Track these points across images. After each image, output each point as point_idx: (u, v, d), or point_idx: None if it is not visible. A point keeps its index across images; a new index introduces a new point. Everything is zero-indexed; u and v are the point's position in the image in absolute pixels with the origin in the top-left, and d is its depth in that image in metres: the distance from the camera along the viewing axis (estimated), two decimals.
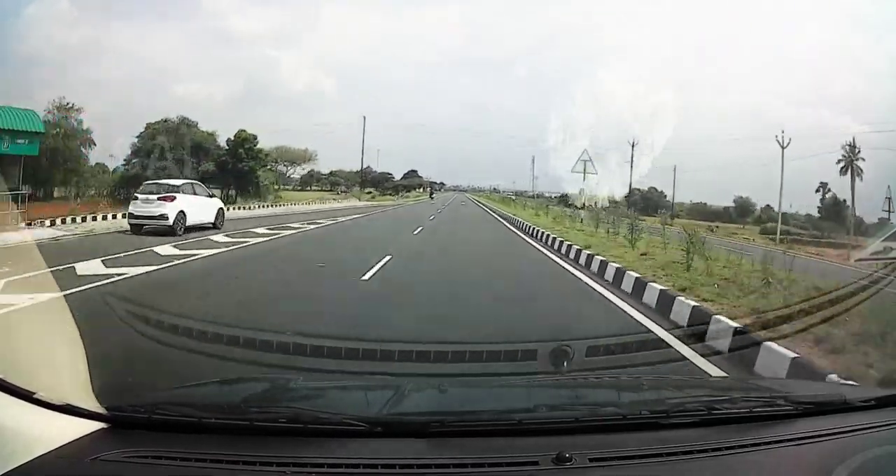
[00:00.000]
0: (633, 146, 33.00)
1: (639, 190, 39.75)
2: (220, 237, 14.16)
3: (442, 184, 62.07)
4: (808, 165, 34.65)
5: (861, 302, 5.52)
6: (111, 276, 8.33)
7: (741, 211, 38.52)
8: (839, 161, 31.65)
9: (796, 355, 4.44)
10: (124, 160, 29.27)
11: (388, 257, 10.94)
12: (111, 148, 39.70)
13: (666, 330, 5.99)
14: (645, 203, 38.51)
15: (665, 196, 40.19)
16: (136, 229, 14.86)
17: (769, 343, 4.71)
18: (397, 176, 53.75)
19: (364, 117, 38.37)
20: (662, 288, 7.65)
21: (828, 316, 5.18)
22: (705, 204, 40.33)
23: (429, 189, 57.26)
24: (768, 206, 35.78)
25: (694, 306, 6.49)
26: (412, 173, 56.52)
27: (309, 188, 45.05)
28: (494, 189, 60.21)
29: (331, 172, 45.37)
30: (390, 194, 50.01)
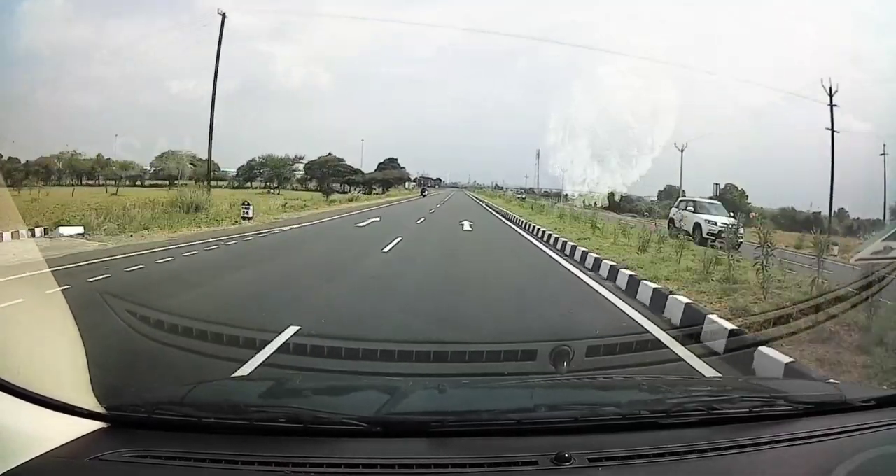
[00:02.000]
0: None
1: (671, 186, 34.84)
2: None
3: (439, 179, 53.08)
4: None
5: None
6: None
7: None
8: None
9: None
10: None
11: None
12: None
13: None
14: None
15: (746, 196, 29.45)
16: None
17: None
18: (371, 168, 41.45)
19: (223, 14, 22.47)
20: None
21: None
22: (793, 208, 28.62)
23: (418, 185, 46.84)
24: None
25: None
26: (390, 163, 43.14)
27: (250, 185, 34.45)
28: (497, 186, 55.64)
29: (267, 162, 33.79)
30: (360, 191, 37.12)
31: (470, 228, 18.20)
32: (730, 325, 5.37)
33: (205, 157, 37.77)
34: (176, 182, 33.50)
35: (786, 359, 4.44)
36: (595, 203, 27.21)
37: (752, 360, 4.64)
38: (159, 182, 34.31)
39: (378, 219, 20.42)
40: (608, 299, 7.54)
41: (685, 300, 6.44)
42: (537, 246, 14.40)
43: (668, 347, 5.17)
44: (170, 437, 1.65)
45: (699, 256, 9.45)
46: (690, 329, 5.62)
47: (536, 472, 1.55)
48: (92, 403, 1.69)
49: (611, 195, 28.40)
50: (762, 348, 4.70)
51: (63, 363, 1.88)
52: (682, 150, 25.71)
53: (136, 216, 16.13)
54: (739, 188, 28.94)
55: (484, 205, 36.21)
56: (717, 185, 29.00)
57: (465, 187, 57.28)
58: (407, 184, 49.04)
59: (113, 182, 33.52)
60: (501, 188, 54.02)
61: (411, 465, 1.58)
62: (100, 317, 4.58)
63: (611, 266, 9.42)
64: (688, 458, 1.64)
